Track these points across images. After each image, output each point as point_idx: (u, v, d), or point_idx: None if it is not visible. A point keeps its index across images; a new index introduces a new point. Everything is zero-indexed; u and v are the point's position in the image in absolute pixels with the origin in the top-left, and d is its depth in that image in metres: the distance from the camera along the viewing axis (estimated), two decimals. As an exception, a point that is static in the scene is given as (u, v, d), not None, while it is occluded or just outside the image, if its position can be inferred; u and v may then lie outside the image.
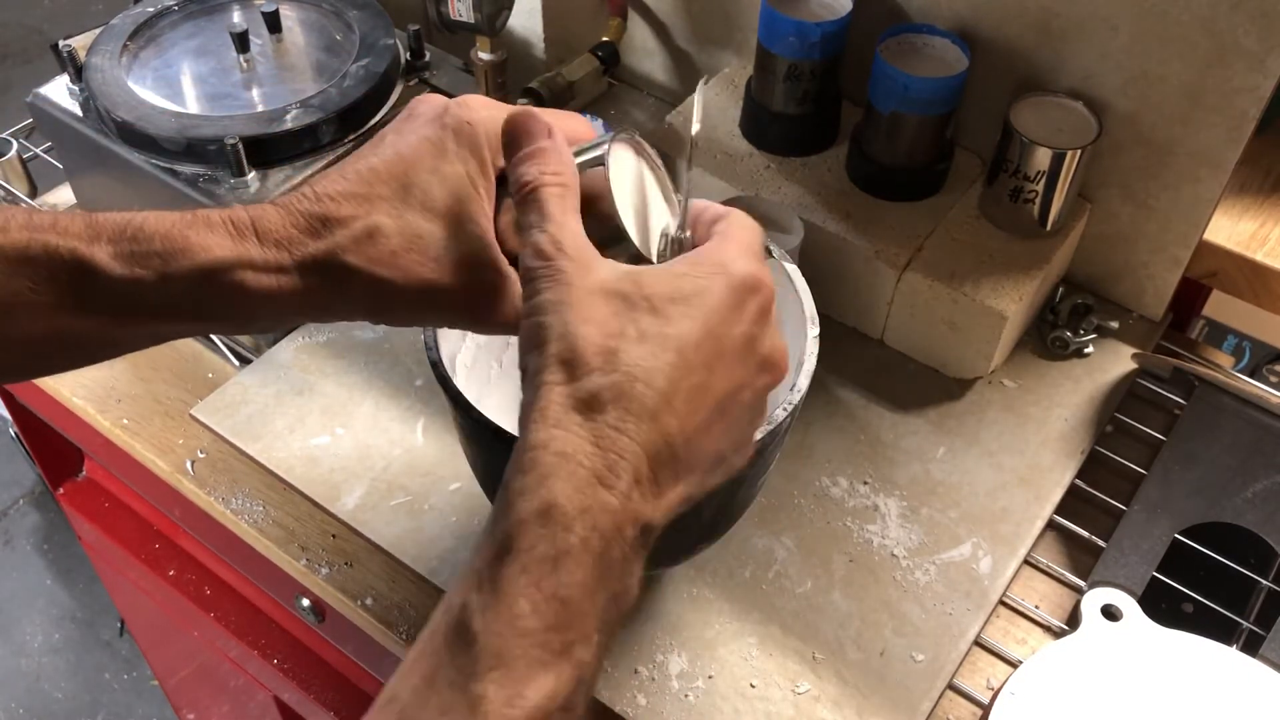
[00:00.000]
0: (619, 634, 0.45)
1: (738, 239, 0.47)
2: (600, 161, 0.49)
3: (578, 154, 0.50)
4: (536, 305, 0.44)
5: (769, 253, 0.66)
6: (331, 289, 0.48)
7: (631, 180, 0.51)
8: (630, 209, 0.50)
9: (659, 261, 0.50)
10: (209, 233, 0.47)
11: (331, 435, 0.80)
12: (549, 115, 0.51)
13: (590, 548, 0.41)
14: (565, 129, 0.51)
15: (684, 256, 0.47)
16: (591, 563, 0.41)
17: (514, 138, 0.48)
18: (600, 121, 0.87)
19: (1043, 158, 0.80)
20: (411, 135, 0.50)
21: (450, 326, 0.53)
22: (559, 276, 0.44)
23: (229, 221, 0.48)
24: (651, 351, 0.43)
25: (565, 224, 0.46)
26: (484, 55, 0.86)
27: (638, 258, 0.50)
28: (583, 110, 0.93)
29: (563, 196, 0.46)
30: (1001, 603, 0.74)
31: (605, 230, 0.49)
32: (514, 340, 0.59)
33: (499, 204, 0.51)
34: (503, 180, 0.51)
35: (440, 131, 0.50)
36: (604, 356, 0.43)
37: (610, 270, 0.45)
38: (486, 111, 0.51)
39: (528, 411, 0.43)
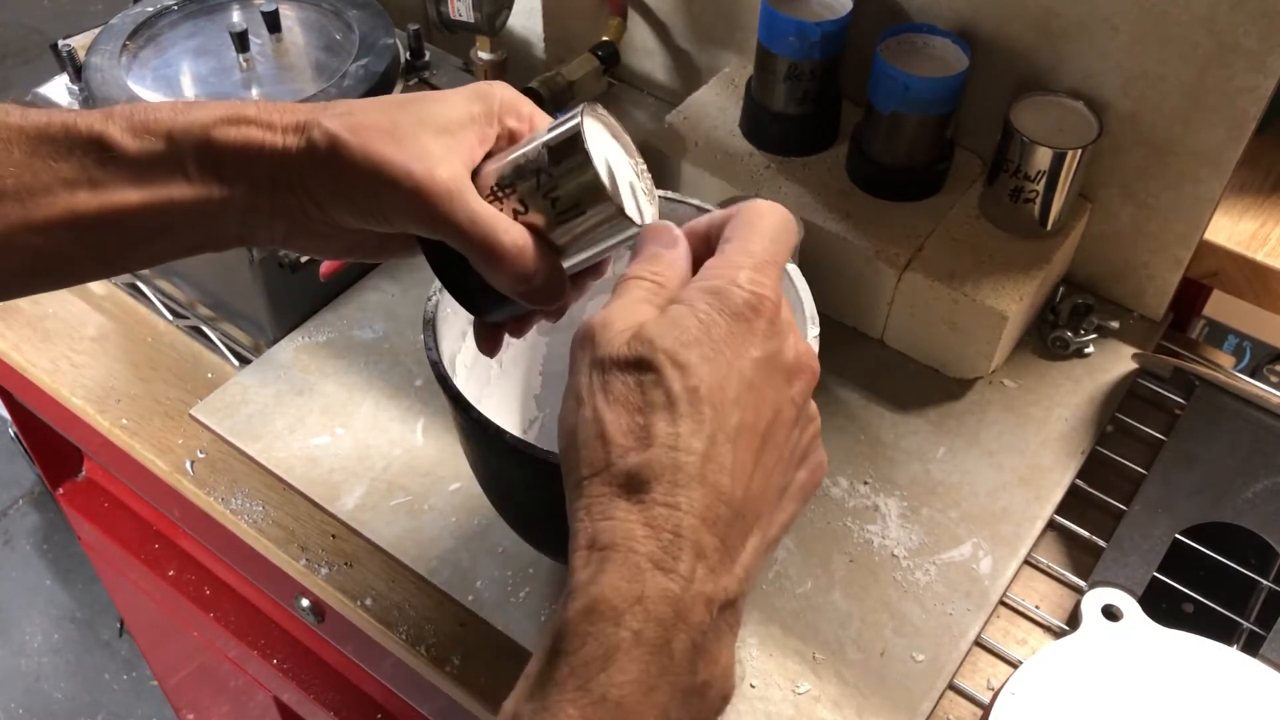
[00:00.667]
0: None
1: (730, 255, 0.46)
2: (576, 131, 0.49)
3: (551, 129, 0.50)
4: (570, 388, 0.44)
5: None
6: (306, 151, 0.49)
7: (601, 146, 0.51)
8: (605, 173, 0.50)
9: (632, 214, 0.50)
10: (213, 103, 0.50)
11: (331, 435, 0.80)
12: (532, 105, 0.53)
13: (645, 640, 0.38)
14: (547, 121, 0.53)
15: (689, 291, 0.45)
16: (647, 657, 0.38)
17: (644, 241, 0.49)
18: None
19: (1043, 158, 0.80)
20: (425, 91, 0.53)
21: (396, 220, 0.51)
22: (588, 347, 0.44)
23: (234, 103, 0.51)
24: (681, 413, 0.41)
25: (629, 310, 0.45)
26: (484, 55, 0.86)
27: (617, 215, 0.49)
28: (583, 110, 0.93)
29: (648, 292, 0.46)
30: (1002, 603, 0.74)
31: (581, 190, 0.49)
32: (514, 340, 0.60)
33: (492, 154, 0.52)
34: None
35: (457, 89, 0.52)
36: (634, 435, 0.41)
37: (620, 338, 0.43)
38: (511, 90, 0.53)
39: (573, 515, 0.42)
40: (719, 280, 0.44)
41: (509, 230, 0.49)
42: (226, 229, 0.52)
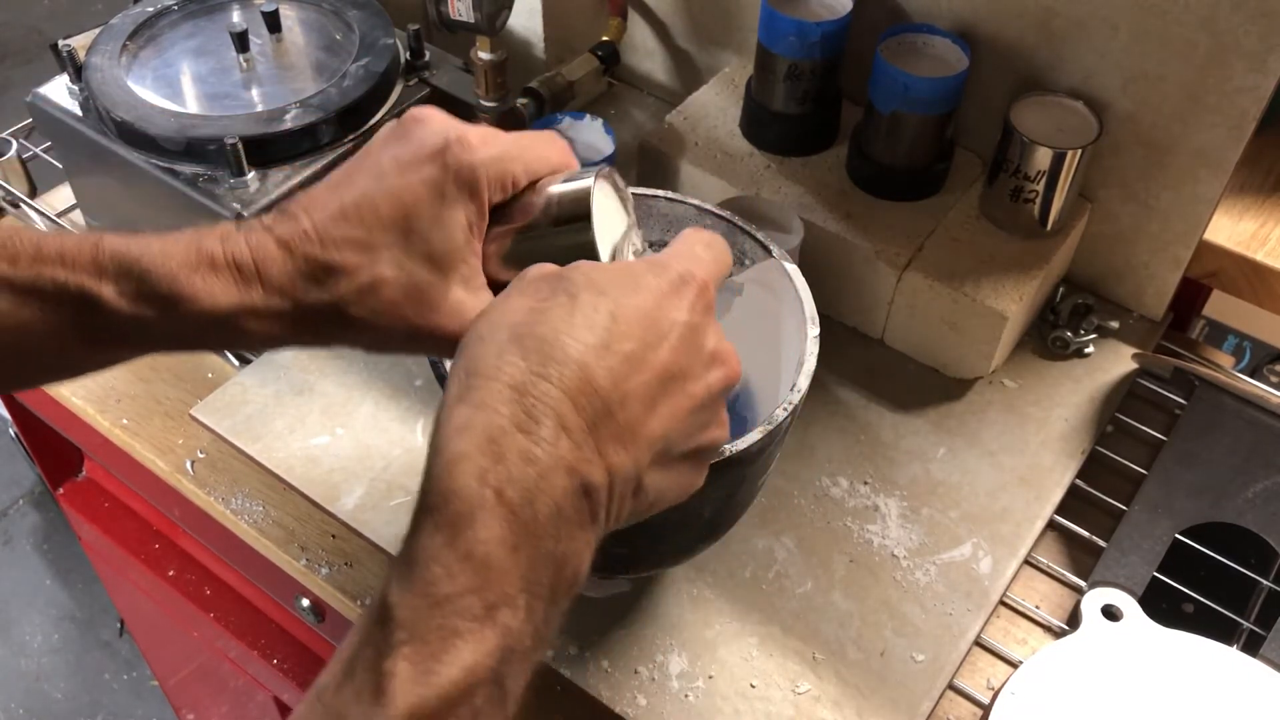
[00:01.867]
0: (562, 607, 0.42)
1: (677, 247, 0.48)
2: (585, 192, 0.50)
3: (567, 181, 0.52)
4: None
5: (766, 249, 0.66)
6: (332, 333, 0.50)
7: (606, 214, 0.53)
8: (606, 239, 0.51)
9: None
10: (214, 278, 0.48)
11: (331, 435, 0.80)
12: (522, 140, 0.52)
13: (506, 500, 0.38)
14: (541, 157, 0.53)
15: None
16: (509, 516, 0.38)
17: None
18: (601, 122, 0.87)
19: (1043, 158, 0.80)
20: (413, 176, 0.50)
21: (443, 357, 0.54)
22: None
23: (234, 265, 0.48)
24: (581, 311, 0.43)
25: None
26: (484, 55, 0.86)
27: None
28: (583, 110, 0.92)
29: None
30: (1002, 603, 0.74)
31: (581, 259, 0.50)
32: None
33: (488, 233, 0.52)
34: (495, 211, 0.52)
35: (441, 174, 0.50)
36: (529, 314, 0.43)
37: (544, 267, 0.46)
38: (486, 151, 0.51)
39: (450, 379, 0.43)
40: (660, 258, 0.47)
41: None
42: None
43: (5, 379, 0.54)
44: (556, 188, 0.52)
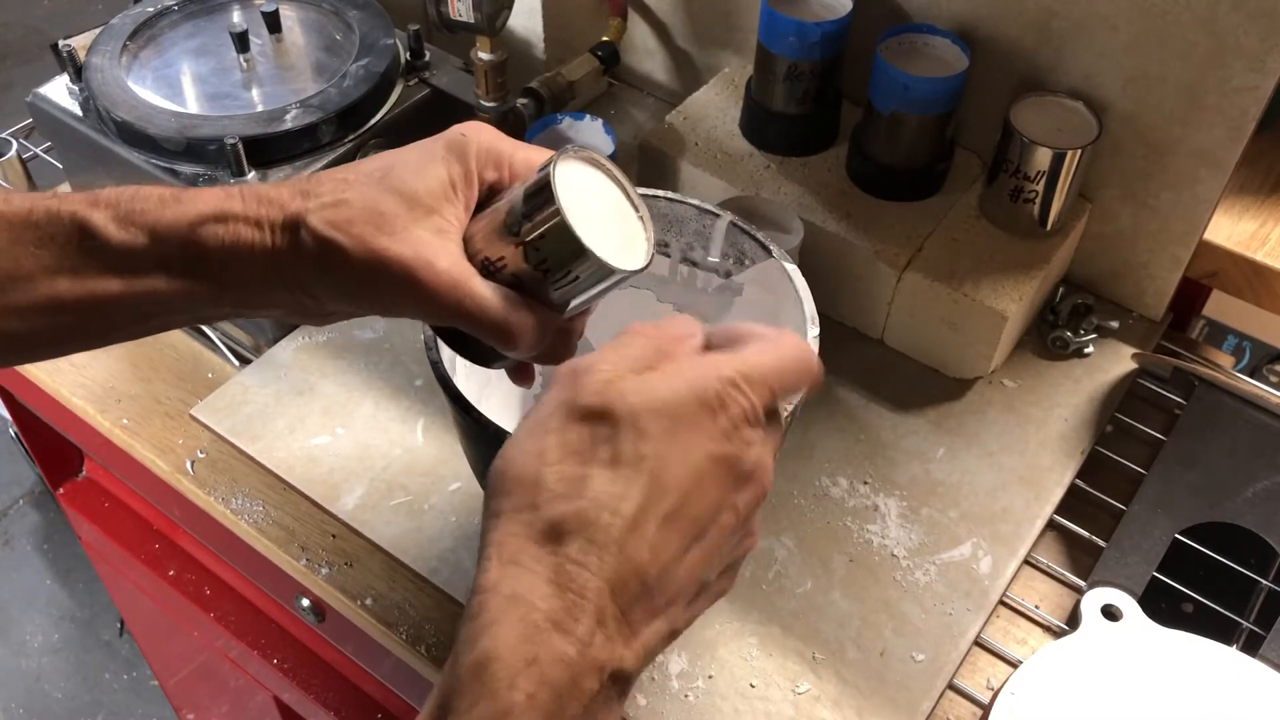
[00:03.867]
0: None
1: (730, 355, 0.45)
2: (547, 183, 0.49)
3: (525, 186, 0.50)
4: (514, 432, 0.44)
5: (766, 249, 0.66)
6: (296, 250, 0.49)
7: (587, 193, 0.51)
8: (587, 221, 0.49)
9: (618, 262, 0.50)
10: (198, 195, 0.50)
11: (331, 435, 0.80)
12: (510, 145, 0.52)
13: (538, 705, 0.37)
14: (533, 152, 0.52)
15: (674, 365, 0.45)
16: (539, 717, 0.37)
17: (669, 317, 0.49)
18: (601, 122, 0.87)
19: (1043, 158, 0.80)
20: (406, 149, 0.52)
21: (399, 311, 0.52)
22: (549, 395, 0.44)
23: (219, 189, 0.50)
24: (622, 475, 0.41)
25: (612, 362, 0.44)
26: (484, 55, 0.86)
27: (602, 268, 0.49)
28: (582, 110, 0.93)
29: (640, 349, 0.45)
30: (1001, 603, 0.74)
31: (565, 252, 0.49)
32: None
33: (477, 213, 0.52)
34: (489, 196, 0.52)
35: (433, 142, 0.51)
36: (570, 483, 0.41)
37: (595, 385, 0.43)
38: (487, 134, 0.52)
39: (483, 546, 0.41)
40: (704, 367, 0.44)
41: (515, 310, 0.50)
42: (215, 314, 0.52)
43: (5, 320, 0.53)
44: (518, 190, 0.51)
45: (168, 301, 0.50)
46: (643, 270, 0.51)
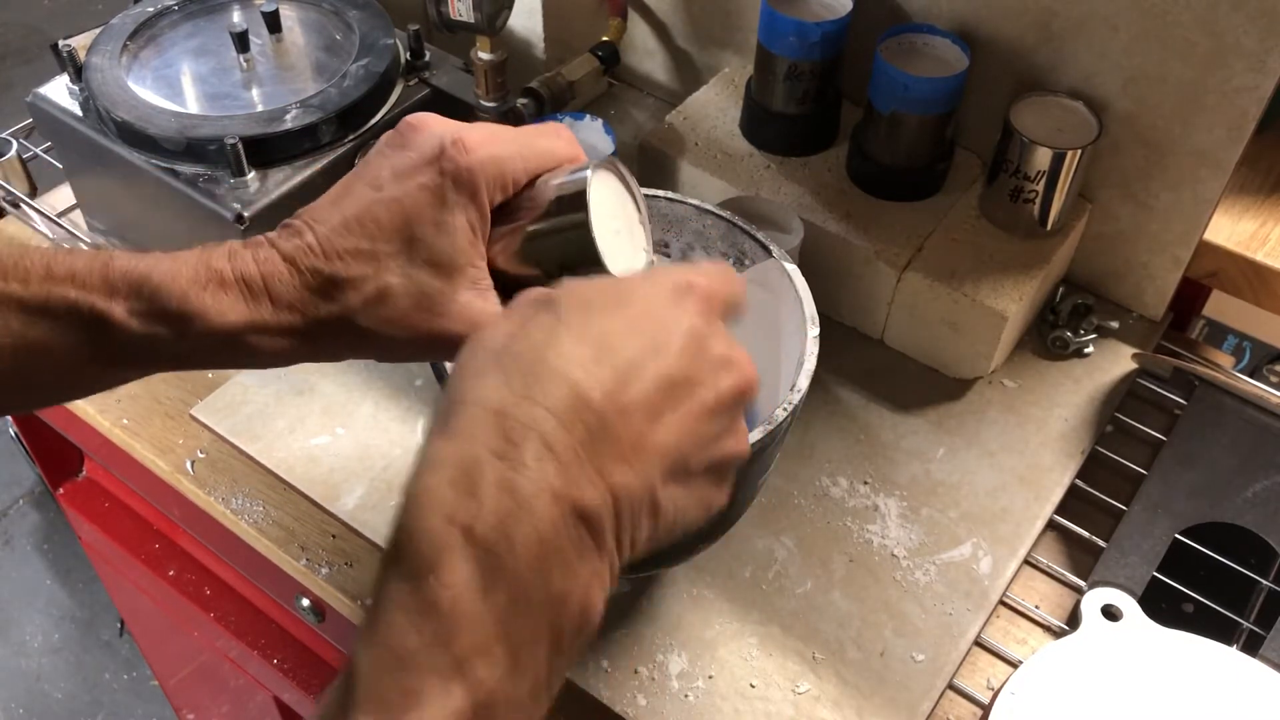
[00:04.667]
0: (572, 650, 0.37)
1: (678, 265, 0.48)
2: (581, 184, 0.50)
3: (568, 176, 0.51)
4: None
5: (766, 249, 0.66)
6: (343, 345, 0.50)
7: (608, 206, 0.52)
8: (607, 232, 0.51)
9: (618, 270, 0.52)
10: (223, 295, 0.48)
11: (331, 435, 0.80)
12: (523, 135, 0.52)
13: (477, 537, 0.35)
14: (544, 151, 0.52)
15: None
16: (481, 555, 0.34)
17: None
18: (601, 122, 0.87)
19: (1043, 158, 0.80)
20: (411, 183, 0.49)
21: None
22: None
23: (242, 282, 0.48)
24: (568, 325, 0.40)
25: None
26: (484, 55, 0.86)
27: (604, 274, 0.51)
28: (582, 110, 0.92)
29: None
30: (1001, 603, 0.74)
31: (579, 252, 0.50)
32: None
33: (493, 232, 0.52)
34: (498, 212, 0.52)
35: (439, 179, 0.49)
36: (512, 336, 0.41)
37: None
38: (484, 151, 0.50)
39: (434, 414, 0.40)
40: (656, 273, 0.45)
41: None
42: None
43: (16, 400, 0.53)
44: (556, 181, 0.51)
45: (193, 369, 0.51)
46: None
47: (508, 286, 0.51)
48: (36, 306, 0.46)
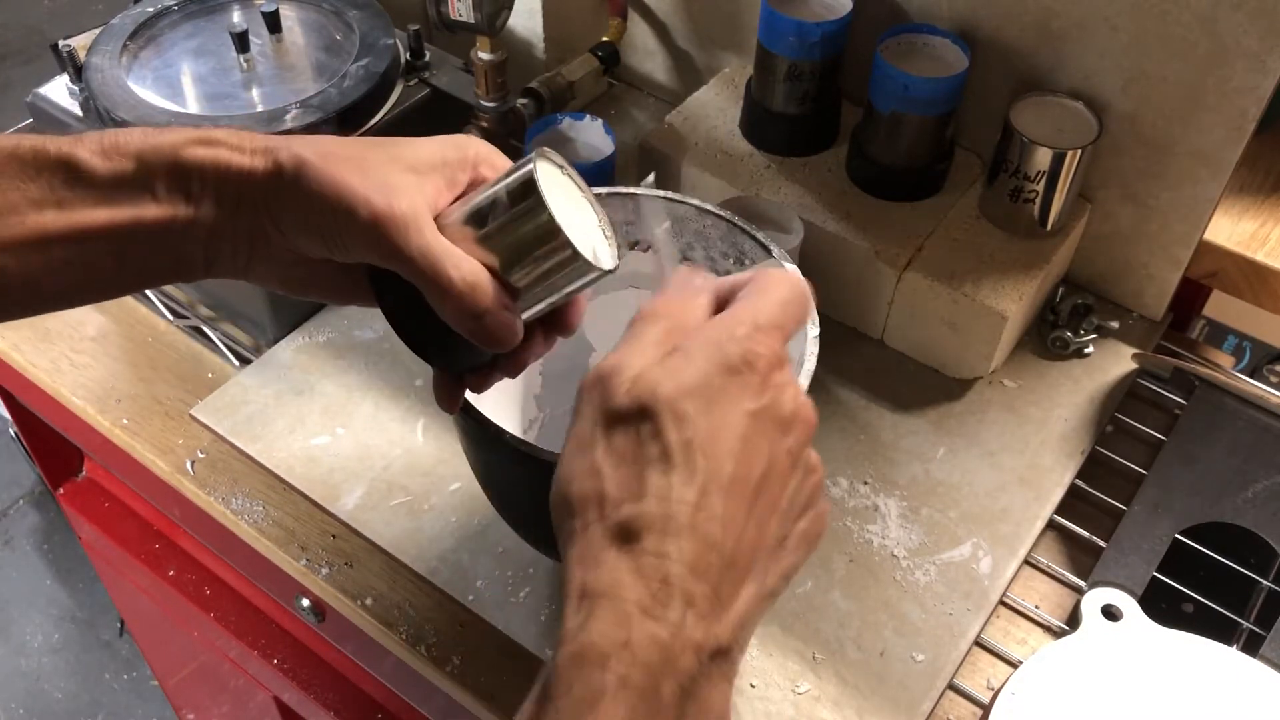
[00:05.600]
0: None
1: (736, 311, 0.46)
2: (529, 175, 0.49)
3: (508, 173, 0.51)
4: (567, 440, 0.44)
5: (766, 249, 0.66)
6: (274, 174, 0.49)
7: (559, 191, 0.51)
8: (561, 215, 0.50)
9: (589, 256, 0.50)
10: (183, 128, 0.51)
11: (331, 435, 0.80)
12: (505, 159, 0.53)
13: (631, 684, 0.38)
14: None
15: (690, 341, 0.45)
16: (634, 701, 0.38)
17: (667, 284, 0.49)
18: (601, 122, 0.87)
19: (1043, 158, 0.80)
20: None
21: (353, 249, 0.50)
22: (587, 408, 0.44)
23: (207, 131, 0.51)
24: (676, 465, 0.42)
25: (637, 353, 0.45)
26: (484, 55, 0.86)
27: (573, 257, 0.50)
28: (582, 110, 0.93)
29: (656, 334, 0.45)
30: (1001, 603, 0.74)
31: (536, 231, 0.49)
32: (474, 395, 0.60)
33: (460, 198, 0.52)
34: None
35: (435, 137, 0.52)
36: (628, 487, 0.42)
37: (623, 386, 0.43)
38: (488, 146, 0.53)
39: (566, 564, 0.42)
40: (718, 333, 0.45)
41: (460, 265, 0.49)
42: (193, 253, 0.52)
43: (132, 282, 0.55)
44: (500, 185, 0.51)
45: (149, 232, 0.50)
46: (613, 272, 0.51)
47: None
48: (4, 155, 0.49)
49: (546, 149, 0.52)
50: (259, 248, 0.52)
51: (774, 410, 0.44)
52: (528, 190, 0.49)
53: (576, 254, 0.49)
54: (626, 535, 0.41)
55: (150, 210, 0.50)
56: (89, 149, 0.49)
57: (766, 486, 0.43)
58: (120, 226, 0.50)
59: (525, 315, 0.52)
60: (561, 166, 0.52)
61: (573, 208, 0.52)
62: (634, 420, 0.43)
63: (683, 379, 0.43)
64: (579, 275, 0.51)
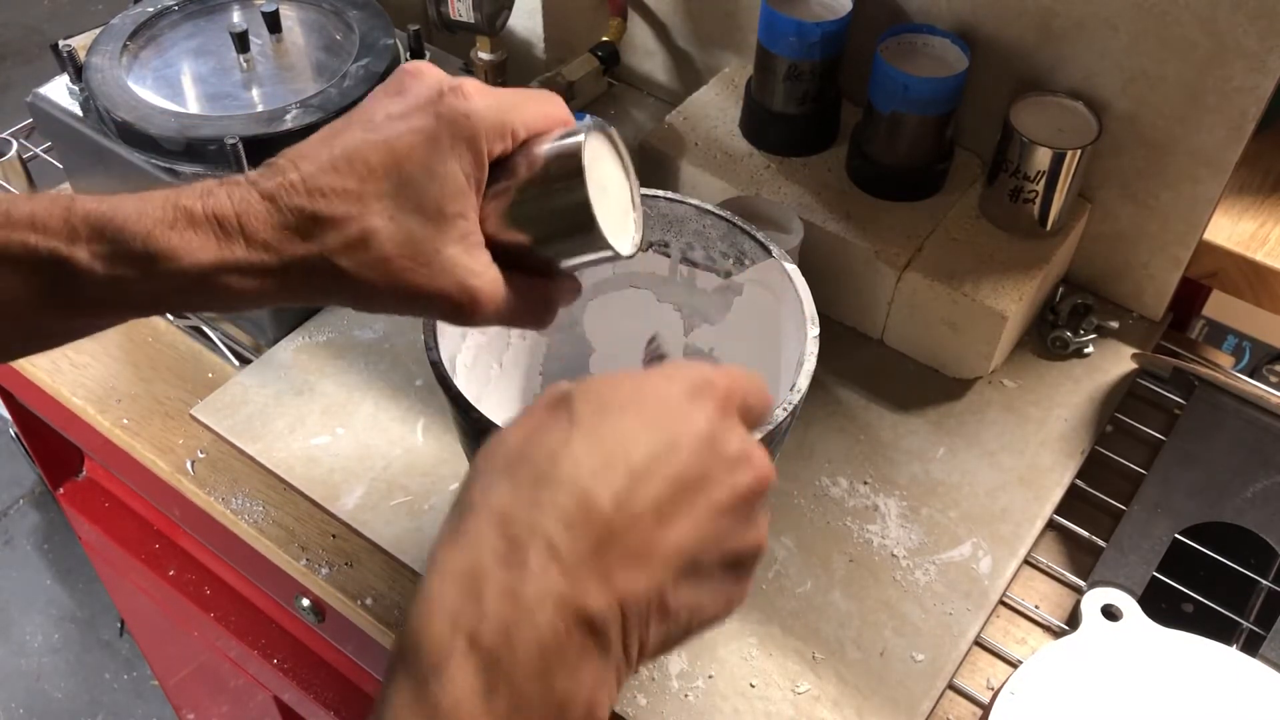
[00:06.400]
0: None
1: (703, 364, 0.45)
2: (576, 145, 0.49)
3: (560, 138, 0.50)
4: None
5: (766, 249, 0.66)
6: (318, 289, 0.48)
7: (601, 170, 0.51)
8: (599, 196, 0.50)
9: (616, 240, 0.51)
10: (193, 234, 0.46)
11: (331, 435, 0.80)
12: (519, 94, 0.50)
13: (481, 644, 0.35)
14: (539, 112, 0.50)
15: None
16: (483, 661, 0.35)
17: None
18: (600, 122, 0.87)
19: (1043, 158, 0.80)
20: (403, 125, 0.48)
21: (430, 319, 0.52)
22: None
23: (214, 220, 0.46)
24: (581, 430, 0.40)
25: None
26: (484, 55, 0.86)
27: (604, 246, 0.50)
28: (582, 110, 0.93)
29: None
30: (1001, 603, 0.74)
31: (571, 214, 0.49)
32: (514, 340, 0.60)
33: (487, 189, 0.50)
34: (495, 166, 0.50)
35: (435, 123, 0.48)
36: (525, 440, 0.40)
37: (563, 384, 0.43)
38: (482, 100, 0.49)
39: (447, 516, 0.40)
40: (676, 368, 0.43)
41: (518, 300, 0.50)
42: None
43: None
44: (548, 144, 0.50)
45: (164, 313, 0.49)
46: (632, 256, 0.53)
47: (497, 254, 0.50)
48: None
49: (599, 128, 0.51)
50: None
51: (719, 438, 0.41)
52: (571, 164, 0.49)
53: (608, 244, 0.50)
54: (504, 477, 0.39)
55: (167, 303, 0.49)
56: (87, 252, 0.45)
57: (694, 502, 0.40)
58: (135, 314, 0.50)
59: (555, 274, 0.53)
60: (608, 136, 0.52)
61: (608, 182, 0.52)
62: (560, 400, 0.42)
63: (619, 376, 0.42)
64: (604, 252, 0.51)
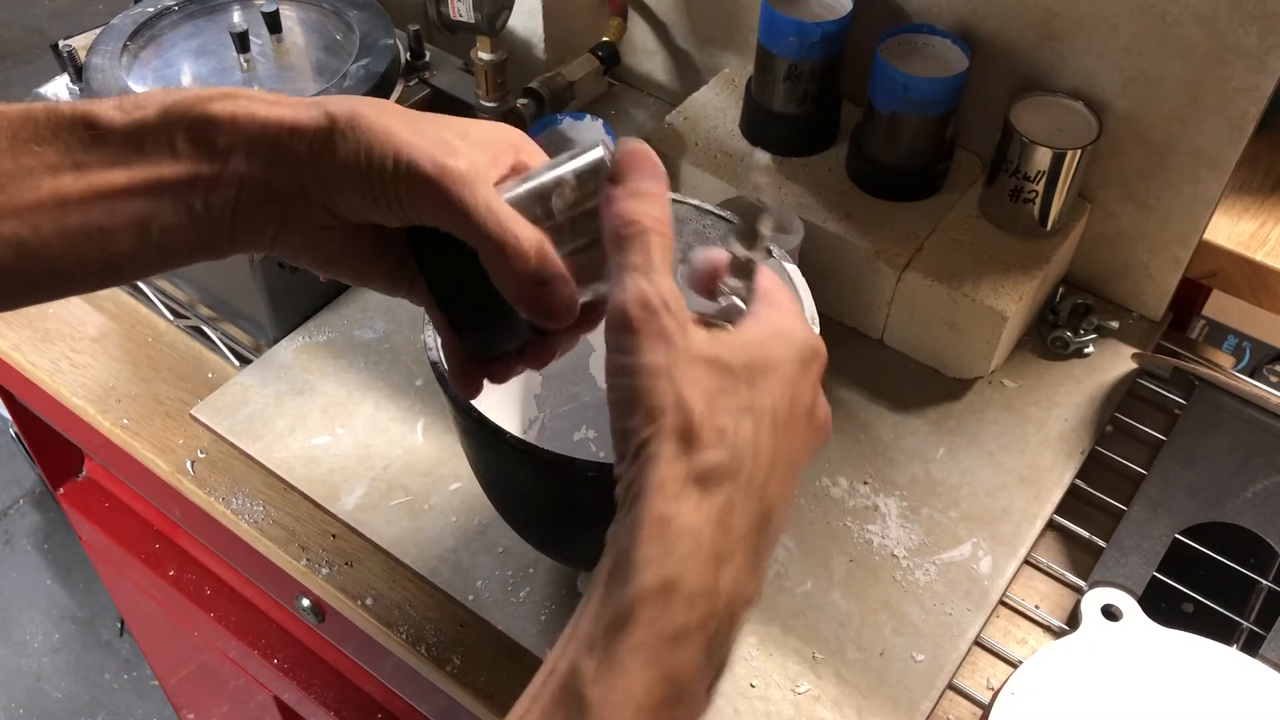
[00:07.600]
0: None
1: (786, 304, 0.49)
2: (596, 168, 0.49)
3: (574, 156, 0.49)
4: (644, 366, 0.42)
5: (769, 252, 0.66)
6: (322, 127, 0.46)
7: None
8: None
9: None
10: (209, 88, 0.48)
11: (331, 435, 0.80)
12: (525, 138, 0.51)
13: (706, 629, 0.40)
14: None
15: (749, 323, 0.47)
16: (705, 644, 0.40)
17: (631, 166, 0.47)
18: (601, 122, 0.87)
19: (1043, 158, 0.80)
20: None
21: (411, 206, 0.48)
22: (667, 337, 0.43)
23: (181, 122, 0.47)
24: (754, 427, 0.44)
25: (668, 279, 0.44)
26: (484, 55, 0.86)
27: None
28: (583, 110, 0.93)
29: (667, 249, 0.45)
30: (1001, 603, 0.74)
31: (586, 233, 0.49)
32: (495, 385, 0.58)
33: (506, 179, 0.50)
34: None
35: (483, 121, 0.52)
36: (718, 434, 0.43)
37: (702, 336, 0.44)
38: (526, 137, 0.52)
39: (644, 481, 0.42)
40: (789, 324, 0.48)
41: (526, 227, 0.47)
42: (217, 221, 0.48)
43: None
44: (566, 168, 0.49)
45: (170, 190, 0.47)
46: None
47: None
48: (18, 116, 0.47)
49: (607, 139, 0.52)
50: (292, 211, 0.48)
51: (817, 410, 0.49)
52: (598, 175, 0.48)
53: None
54: (709, 482, 0.42)
55: (171, 168, 0.47)
56: (107, 105, 0.47)
57: (798, 467, 0.47)
58: (140, 186, 0.47)
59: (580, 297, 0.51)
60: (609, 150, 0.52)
61: None
62: (720, 369, 0.44)
63: (764, 351, 0.46)
64: None
